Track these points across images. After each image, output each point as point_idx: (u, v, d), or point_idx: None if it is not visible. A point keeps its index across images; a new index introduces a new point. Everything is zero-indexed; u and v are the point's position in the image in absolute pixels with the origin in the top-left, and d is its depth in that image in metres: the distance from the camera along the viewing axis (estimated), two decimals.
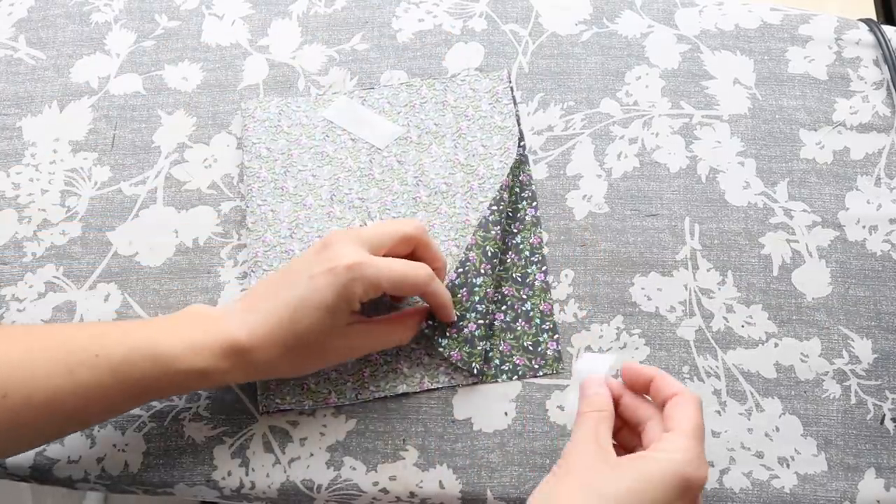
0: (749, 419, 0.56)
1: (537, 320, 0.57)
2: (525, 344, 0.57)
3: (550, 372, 0.56)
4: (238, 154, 0.63)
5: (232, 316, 0.50)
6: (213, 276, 0.60)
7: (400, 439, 0.55)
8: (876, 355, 0.57)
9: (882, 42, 0.65)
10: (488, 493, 0.54)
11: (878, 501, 0.54)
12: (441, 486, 0.54)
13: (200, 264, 0.60)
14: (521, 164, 0.62)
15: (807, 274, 0.59)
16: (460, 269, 0.56)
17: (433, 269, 0.53)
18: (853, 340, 0.57)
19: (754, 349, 0.57)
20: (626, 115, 0.64)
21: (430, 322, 0.55)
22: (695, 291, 0.59)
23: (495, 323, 0.57)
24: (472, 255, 0.57)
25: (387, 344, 0.54)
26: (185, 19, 0.68)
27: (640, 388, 0.48)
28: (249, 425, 0.56)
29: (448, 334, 0.55)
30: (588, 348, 0.57)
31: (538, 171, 0.62)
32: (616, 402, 0.48)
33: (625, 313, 0.58)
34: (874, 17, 0.79)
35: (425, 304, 0.55)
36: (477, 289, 0.56)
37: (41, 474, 0.55)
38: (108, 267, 0.60)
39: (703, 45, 0.66)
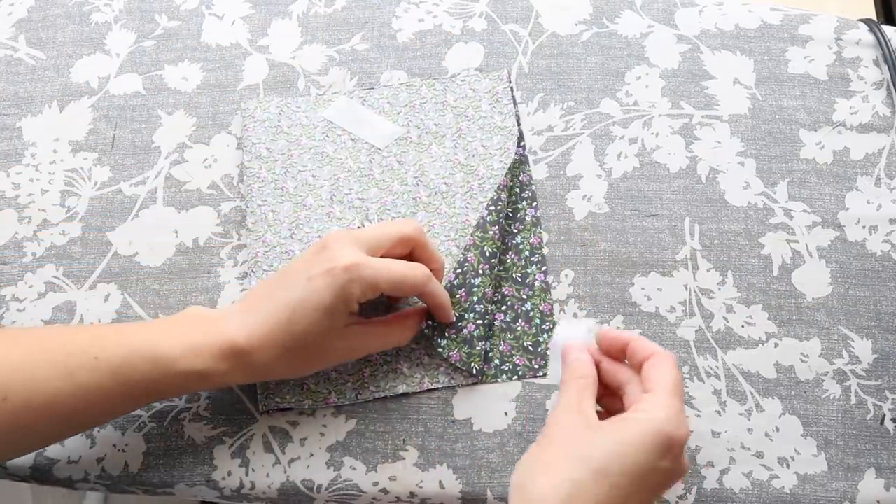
0: (749, 419, 0.56)
1: (537, 320, 0.57)
2: (525, 344, 0.57)
3: (551, 372, 0.56)
4: (238, 154, 0.63)
5: (231, 318, 0.50)
6: (213, 277, 0.60)
7: (400, 439, 0.55)
8: (876, 355, 0.57)
9: (882, 42, 0.65)
10: (488, 493, 0.54)
11: (878, 502, 0.54)
12: (441, 486, 0.54)
13: (200, 264, 0.60)
14: (521, 164, 0.62)
15: (807, 274, 0.59)
16: (459, 270, 0.56)
17: (431, 270, 0.53)
18: (853, 340, 0.57)
19: (754, 349, 0.57)
20: (626, 116, 0.64)
21: (430, 322, 0.55)
22: (695, 291, 0.59)
23: (495, 323, 0.57)
24: (470, 255, 0.57)
25: (385, 345, 0.54)
26: (185, 19, 0.68)
27: (617, 354, 0.49)
28: (249, 425, 0.56)
29: (447, 335, 0.55)
30: (563, 314, 0.57)
31: (538, 172, 0.62)
32: (596, 369, 0.49)
33: (625, 313, 0.58)
34: (874, 17, 0.79)
35: (424, 305, 0.55)
36: (475, 289, 0.56)
37: (41, 474, 0.55)
38: (108, 267, 0.60)
39: (703, 45, 0.66)
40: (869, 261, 0.59)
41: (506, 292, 0.58)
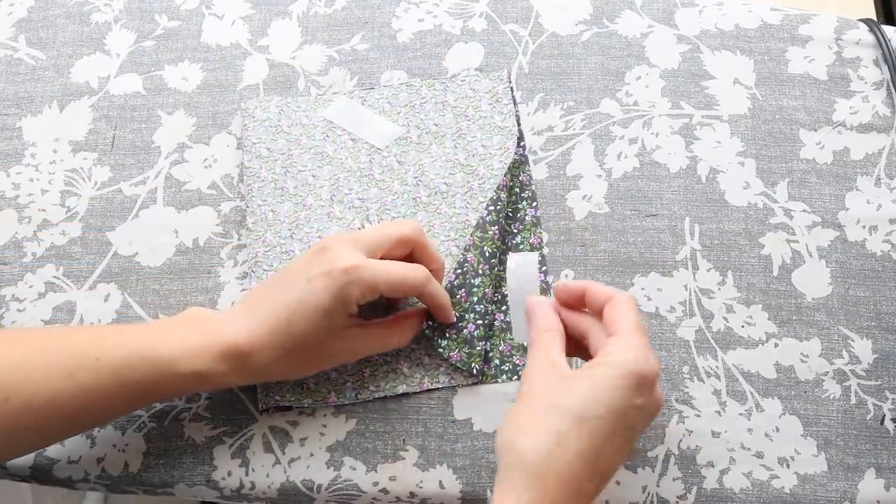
0: (749, 419, 0.56)
1: None
2: (525, 344, 0.57)
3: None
4: (238, 154, 0.63)
5: (230, 319, 0.51)
6: (213, 277, 0.60)
7: (400, 439, 0.55)
8: (876, 355, 0.57)
9: (882, 42, 0.65)
10: (488, 493, 0.54)
11: (878, 502, 0.54)
12: (441, 486, 0.54)
13: (200, 264, 0.60)
14: (521, 164, 0.62)
15: (807, 274, 0.59)
16: (459, 270, 0.56)
17: (431, 271, 0.53)
18: (853, 340, 0.57)
19: (754, 349, 0.57)
20: (626, 116, 0.64)
21: (430, 323, 0.55)
22: (695, 292, 0.59)
23: (495, 323, 0.57)
24: (469, 255, 0.57)
25: (385, 347, 0.54)
26: (185, 19, 0.68)
27: (576, 303, 0.51)
28: (249, 425, 0.56)
29: (447, 335, 0.55)
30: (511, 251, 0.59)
31: (538, 172, 0.62)
32: (575, 333, 0.50)
33: None
34: (874, 17, 0.79)
35: (423, 306, 0.55)
36: (476, 289, 0.56)
37: (41, 474, 0.55)
38: (108, 267, 0.60)
39: (703, 46, 0.66)
40: (869, 261, 0.59)
41: (506, 292, 0.58)
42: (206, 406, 0.56)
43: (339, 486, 0.54)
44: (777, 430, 0.55)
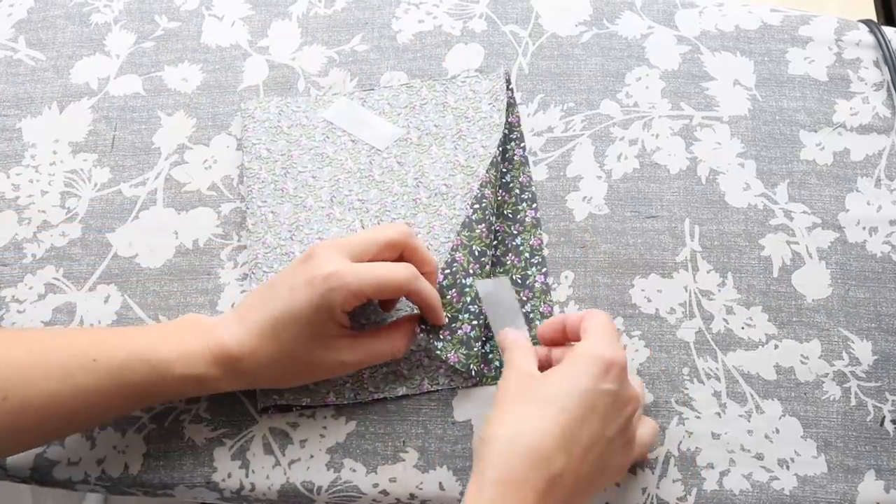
0: (749, 421, 0.56)
1: (537, 322, 0.57)
2: None
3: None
4: (238, 155, 0.63)
5: (224, 325, 0.51)
6: (213, 278, 0.60)
7: (400, 441, 0.55)
8: (876, 357, 0.57)
9: (882, 43, 0.65)
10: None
11: (878, 503, 0.54)
12: (441, 487, 0.54)
13: (200, 266, 0.60)
14: (521, 165, 0.62)
15: (807, 275, 0.59)
16: (447, 271, 0.56)
17: (423, 274, 0.53)
18: (853, 342, 0.57)
19: (754, 351, 0.57)
20: (627, 117, 0.64)
21: (423, 326, 0.55)
22: (695, 293, 0.59)
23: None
24: (458, 255, 0.56)
25: (379, 357, 0.53)
26: (185, 20, 0.68)
27: (560, 338, 0.52)
28: (249, 427, 0.56)
29: (441, 336, 0.55)
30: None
31: (538, 173, 0.62)
32: (549, 363, 0.52)
33: (625, 315, 0.58)
34: (874, 17, 0.79)
35: (416, 312, 0.55)
36: (468, 289, 0.55)
37: (41, 476, 0.55)
38: (108, 268, 0.60)
39: (704, 47, 0.66)
40: (869, 262, 0.59)
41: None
42: (207, 408, 0.56)
43: (339, 487, 0.54)
44: (777, 431, 0.55)
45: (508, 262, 0.59)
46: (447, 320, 0.54)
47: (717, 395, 0.56)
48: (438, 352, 0.55)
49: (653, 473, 0.54)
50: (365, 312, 0.57)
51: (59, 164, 0.63)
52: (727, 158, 0.62)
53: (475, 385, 0.56)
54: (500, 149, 0.61)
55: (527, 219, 0.61)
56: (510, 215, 0.61)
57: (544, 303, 0.58)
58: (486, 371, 0.56)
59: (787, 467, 0.55)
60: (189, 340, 0.50)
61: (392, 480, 0.54)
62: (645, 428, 0.52)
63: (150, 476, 0.55)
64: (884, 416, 0.56)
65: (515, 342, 0.51)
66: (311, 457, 0.55)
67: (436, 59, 0.66)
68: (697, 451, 0.55)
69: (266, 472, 0.55)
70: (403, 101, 0.64)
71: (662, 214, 0.61)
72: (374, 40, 0.67)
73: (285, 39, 0.67)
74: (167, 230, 0.61)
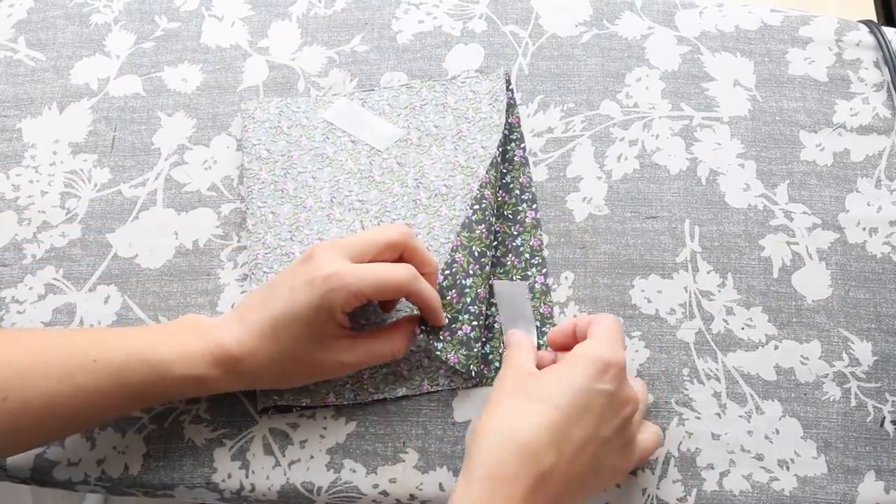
0: (749, 421, 0.56)
1: (537, 323, 0.57)
2: None
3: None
4: (238, 156, 0.63)
5: (224, 326, 0.51)
6: (213, 279, 0.60)
7: (400, 441, 0.55)
8: (876, 357, 0.57)
9: (882, 43, 0.65)
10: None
11: None
12: (441, 488, 0.54)
13: (200, 266, 0.60)
14: (521, 166, 0.62)
15: (807, 276, 0.59)
16: (447, 272, 0.56)
17: (423, 275, 0.53)
18: (853, 343, 0.57)
19: (754, 351, 0.57)
20: (627, 117, 0.64)
21: (423, 327, 0.55)
22: (695, 294, 0.59)
23: (495, 325, 0.57)
24: (458, 256, 0.56)
25: (378, 358, 0.53)
26: (185, 21, 0.68)
27: (571, 342, 0.51)
28: (249, 427, 0.56)
29: (441, 337, 0.55)
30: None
31: (538, 173, 0.62)
32: None
33: (625, 315, 0.58)
34: (874, 18, 0.79)
35: (416, 313, 0.55)
36: (468, 290, 0.55)
37: (41, 476, 0.55)
38: (108, 269, 0.60)
39: (704, 47, 0.66)
40: (869, 263, 0.59)
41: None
42: (207, 408, 0.56)
43: (339, 488, 0.54)
44: (777, 432, 0.55)
45: (508, 263, 0.59)
46: (447, 321, 0.54)
47: (717, 395, 0.56)
48: (438, 353, 0.55)
49: (653, 474, 0.54)
50: (365, 313, 0.57)
51: (59, 164, 0.63)
52: (727, 159, 0.62)
53: (475, 386, 0.56)
54: (500, 149, 0.61)
55: (527, 219, 0.61)
56: (510, 216, 0.61)
57: (544, 304, 0.58)
58: (486, 372, 0.56)
59: (787, 468, 0.55)
60: (189, 341, 0.50)
61: (392, 481, 0.54)
62: (647, 433, 0.51)
63: (150, 477, 0.55)
64: (884, 417, 0.56)
65: (518, 342, 0.52)
66: (311, 457, 0.55)
67: (436, 59, 0.66)
68: (697, 452, 0.55)
69: (266, 473, 0.55)
70: (403, 102, 0.64)
71: (662, 215, 0.61)
72: (374, 41, 0.67)
73: (285, 40, 0.67)
74: (167, 231, 0.61)
